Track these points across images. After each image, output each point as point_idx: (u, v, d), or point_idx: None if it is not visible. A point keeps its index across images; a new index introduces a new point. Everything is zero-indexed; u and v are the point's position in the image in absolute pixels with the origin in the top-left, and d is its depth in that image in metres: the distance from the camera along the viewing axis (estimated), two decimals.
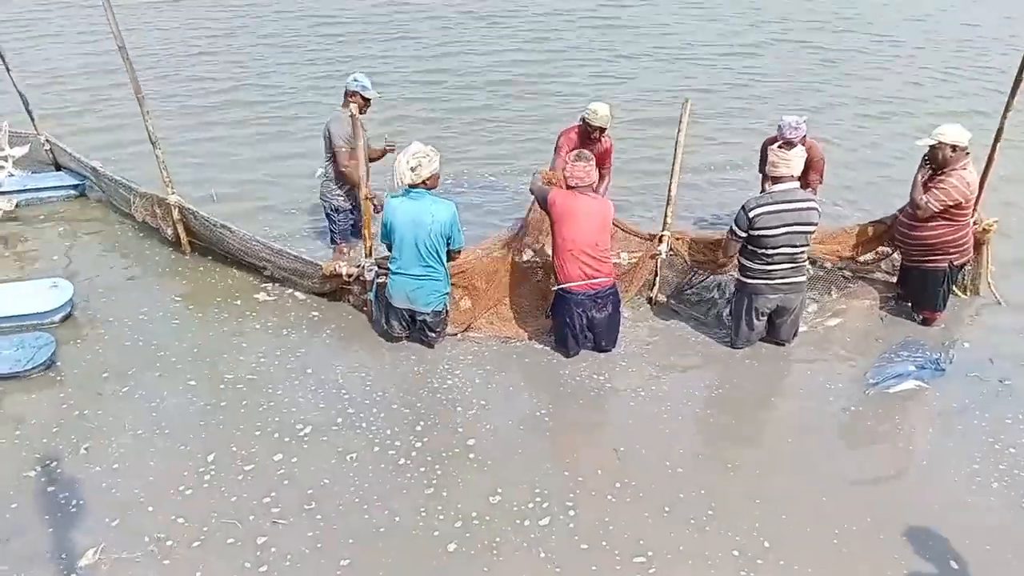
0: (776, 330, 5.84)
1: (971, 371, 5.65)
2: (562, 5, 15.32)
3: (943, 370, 5.62)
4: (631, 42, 14.05)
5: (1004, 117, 5.88)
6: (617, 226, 6.01)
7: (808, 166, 6.12)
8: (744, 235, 5.46)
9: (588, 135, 6.29)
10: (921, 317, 6.20)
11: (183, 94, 11.14)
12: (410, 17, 14.80)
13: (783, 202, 5.37)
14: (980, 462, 4.83)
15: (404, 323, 5.76)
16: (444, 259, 5.53)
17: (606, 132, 6.36)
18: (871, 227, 6.26)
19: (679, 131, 5.69)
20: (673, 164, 5.82)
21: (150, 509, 4.35)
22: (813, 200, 5.54)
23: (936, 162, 5.68)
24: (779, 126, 6.20)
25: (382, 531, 4.25)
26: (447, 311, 5.77)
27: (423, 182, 5.37)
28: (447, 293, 5.67)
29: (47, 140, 8.09)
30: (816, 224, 5.48)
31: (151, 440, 4.87)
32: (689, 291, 6.43)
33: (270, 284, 6.49)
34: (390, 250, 5.58)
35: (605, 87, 11.37)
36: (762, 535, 4.24)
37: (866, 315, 6.28)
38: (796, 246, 5.43)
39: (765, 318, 5.73)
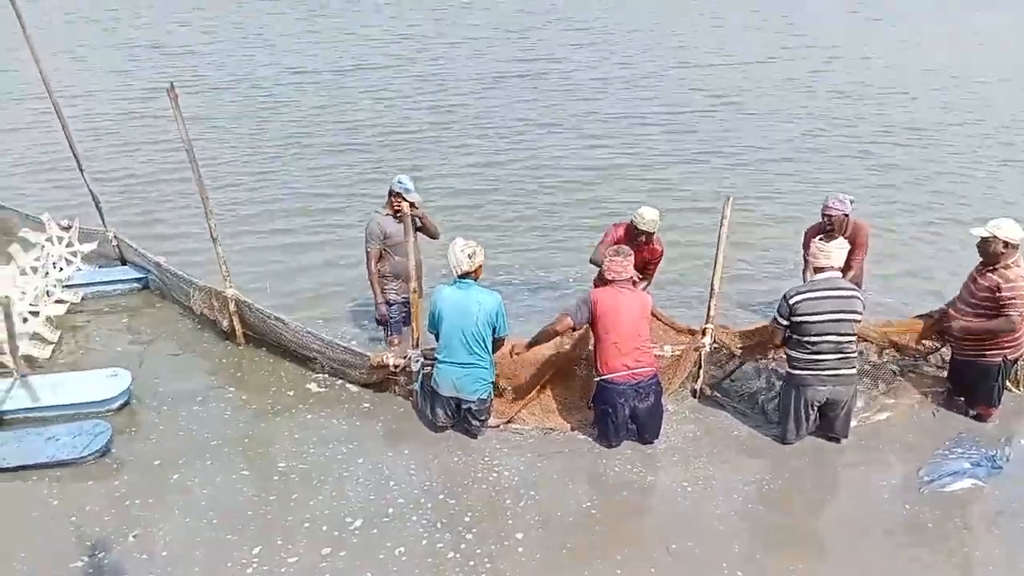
0: (829, 424, 5.70)
1: None
2: (634, 110, 15.62)
3: (1000, 467, 5.41)
4: (700, 142, 14.10)
5: None
6: (658, 318, 6.03)
7: (853, 243, 6.14)
8: (786, 322, 5.45)
9: (634, 237, 6.35)
10: (975, 412, 6.01)
11: (243, 190, 11.52)
12: (469, 123, 15.25)
13: (824, 290, 5.38)
14: None
15: (449, 412, 5.78)
16: (490, 348, 5.59)
17: (656, 237, 6.41)
18: (919, 320, 6.16)
19: (721, 227, 5.73)
20: (716, 259, 5.85)
21: None
22: (856, 289, 5.51)
23: (985, 255, 5.60)
24: (824, 204, 6.25)
25: None
26: (492, 399, 5.78)
27: (474, 271, 5.52)
28: (492, 381, 5.70)
29: (115, 236, 8.41)
30: (860, 313, 5.42)
31: (199, 530, 4.88)
32: (734, 384, 6.34)
33: (321, 375, 6.56)
34: (437, 339, 5.65)
35: (658, 190, 11.48)
36: None
37: (917, 410, 6.10)
38: (841, 335, 5.36)
39: (815, 412, 5.60)
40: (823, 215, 6.34)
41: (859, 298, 5.43)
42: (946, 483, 5.28)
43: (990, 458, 5.49)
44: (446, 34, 22.88)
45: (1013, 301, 5.44)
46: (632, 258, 5.62)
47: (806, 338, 5.39)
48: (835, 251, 5.44)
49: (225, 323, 7.01)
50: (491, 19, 25.54)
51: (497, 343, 5.67)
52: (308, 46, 21.19)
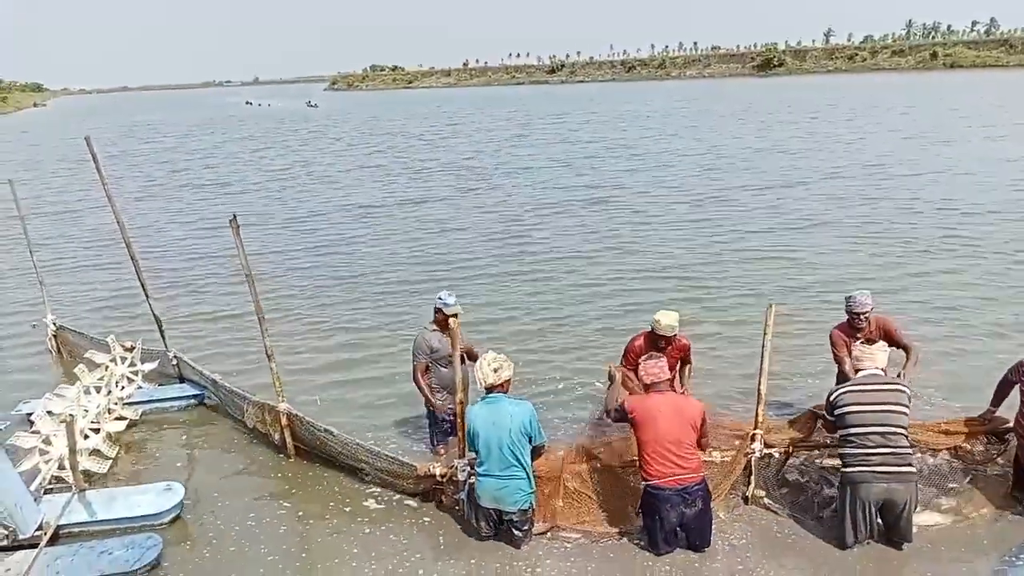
0: (889, 528, 5.43)
1: None
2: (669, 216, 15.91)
3: None
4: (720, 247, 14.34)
5: None
6: (721, 428, 6.00)
7: (889, 338, 6.24)
8: (831, 419, 5.45)
9: (656, 344, 6.35)
10: None
11: (296, 303, 11.84)
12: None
13: (866, 383, 5.39)
14: None
15: (492, 523, 5.68)
16: (528, 458, 5.52)
17: (677, 335, 6.41)
18: (972, 420, 5.96)
19: (765, 335, 5.69)
20: (761, 364, 5.79)
21: None
22: (900, 383, 5.43)
23: None
24: (848, 302, 6.28)
25: None
26: (533, 510, 5.67)
27: (501, 385, 5.57)
28: (532, 492, 5.59)
29: (175, 356, 8.60)
30: (907, 405, 5.30)
31: None
32: (786, 491, 6.09)
33: (378, 490, 6.47)
34: (476, 454, 5.63)
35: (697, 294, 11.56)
36: None
37: (982, 515, 5.76)
38: (888, 426, 5.23)
39: (873, 513, 5.35)
40: (853, 314, 6.31)
41: (905, 391, 5.35)
42: None
43: None
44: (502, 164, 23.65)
45: None
46: (664, 360, 5.62)
47: (851, 430, 5.31)
48: (879, 353, 5.47)
49: (277, 436, 7.03)
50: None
51: (536, 451, 5.62)
52: (367, 181, 22.04)
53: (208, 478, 6.84)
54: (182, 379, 8.67)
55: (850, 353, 5.85)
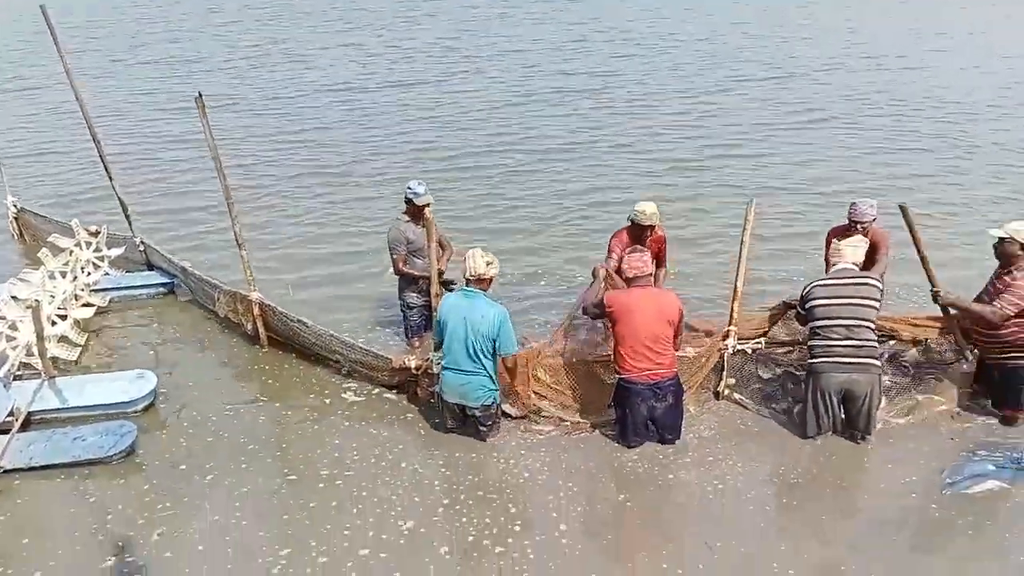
0: (850, 420, 5.57)
1: None
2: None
3: None
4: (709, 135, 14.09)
5: None
6: (693, 328, 6.03)
7: (875, 248, 6.17)
8: (803, 312, 5.55)
9: (639, 235, 6.27)
10: (1002, 415, 5.83)
11: (268, 190, 11.55)
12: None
13: (837, 277, 5.50)
14: None
15: (456, 418, 5.71)
16: (491, 360, 5.48)
17: (657, 226, 6.32)
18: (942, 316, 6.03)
19: (744, 231, 5.62)
20: (739, 260, 5.77)
21: None
22: (872, 278, 5.50)
23: (1001, 256, 5.51)
24: (850, 208, 6.17)
25: None
26: (497, 405, 5.69)
27: (486, 280, 5.48)
28: (495, 389, 5.59)
29: (142, 242, 8.40)
30: (876, 300, 5.40)
31: (227, 529, 4.81)
32: (756, 387, 6.18)
33: (355, 383, 6.45)
34: (438, 346, 5.59)
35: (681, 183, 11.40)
36: None
37: (943, 412, 5.91)
38: (855, 319, 5.34)
39: (834, 403, 5.47)
40: (852, 222, 6.21)
41: (875, 285, 5.44)
42: (968, 485, 5.13)
43: (1015, 460, 5.33)
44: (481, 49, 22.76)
45: (1005, 295, 5.40)
46: (649, 254, 5.59)
47: (818, 323, 5.41)
48: (847, 248, 5.57)
49: (249, 326, 6.95)
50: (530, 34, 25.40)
51: (504, 360, 5.55)
52: (342, 62, 21.15)
53: (181, 367, 6.78)
54: (150, 266, 8.50)
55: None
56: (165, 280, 8.18)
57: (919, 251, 5.68)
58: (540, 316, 7.59)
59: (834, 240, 5.64)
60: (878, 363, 5.45)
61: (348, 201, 11.10)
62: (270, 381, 6.59)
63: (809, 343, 5.55)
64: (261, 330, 6.89)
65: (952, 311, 5.88)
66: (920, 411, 5.88)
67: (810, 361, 5.51)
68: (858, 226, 6.17)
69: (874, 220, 6.16)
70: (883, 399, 5.69)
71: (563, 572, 4.42)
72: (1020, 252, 5.37)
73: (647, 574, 4.39)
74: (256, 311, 6.78)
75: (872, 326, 5.40)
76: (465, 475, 5.35)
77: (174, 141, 14.11)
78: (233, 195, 6.49)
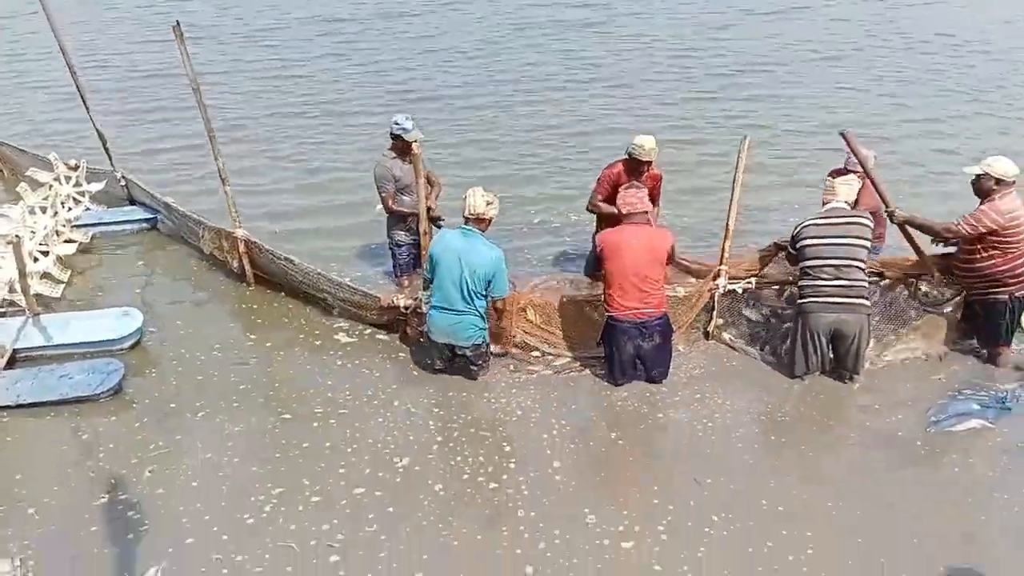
0: (839, 360, 5.59)
1: None
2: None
3: (1009, 408, 5.30)
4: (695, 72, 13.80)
5: None
6: (681, 265, 5.97)
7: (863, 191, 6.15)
8: (793, 252, 5.54)
9: (635, 170, 6.12)
10: (987, 352, 5.88)
11: (252, 126, 11.26)
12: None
13: (828, 216, 5.46)
14: None
15: (444, 358, 5.67)
16: (483, 302, 5.42)
17: (653, 163, 6.19)
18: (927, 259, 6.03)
19: (737, 168, 5.53)
20: (731, 198, 5.67)
21: (216, 532, 4.27)
22: (863, 216, 5.47)
23: (979, 192, 5.50)
24: (846, 154, 6.13)
25: (456, 546, 4.18)
26: (487, 345, 5.64)
27: (485, 220, 5.36)
28: (485, 328, 5.54)
29: (123, 176, 8.21)
30: (867, 239, 5.38)
31: (219, 466, 4.79)
32: (746, 326, 6.19)
33: (347, 323, 6.36)
34: (428, 284, 5.50)
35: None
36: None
37: (931, 352, 5.94)
38: (844, 259, 5.32)
39: (822, 343, 5.48)
40: (847, 168, 6.17)
41: (866, 224, 5.41)
42: (953, 423, 5.18)
43: (1000, 399, 5.38)
44: None
45: (967, 217, 5.43)
46: (645, 190, 5.50)
47: (808, 263, 5.41)
48: (841, 186, 5.52)
49: (235, 264, 6.83)
50: None
51: (495, 302, 5.49)
52: None
53: (167, 305, 6.69)
54: (132, 201, 8.33)
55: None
56: (148, 215, 8.02)
57: (866, 172, 5.64)
58: (532, 255, 7.54)
59: (827, 178, 5.61)
60: (867, 303, 5.45)
61: (334, 137, 10.86)
62: (260, 321, 6.50)
63: (799, 283, 5.54)
64: (247, 268, 6.78)
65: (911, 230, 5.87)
66: (908, 351, 5.91)
67: (799, 301, 5.51)
68: (859, 176, 6.15)
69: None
70: (872, 339, 5.70)
71: (557, 508, 4.45)
72: (995, 187, 5.38)
73: (639, 510, 4.43)
74: (242, 248, 6.66)
75: (862, 266, 5.39)
76: (458, 413, 5.34)
77: (153, 74, 13.70)
78: (215, 129, 6.31)
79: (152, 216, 8.00)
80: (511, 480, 4.67)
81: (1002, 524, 4.37)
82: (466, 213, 5.35)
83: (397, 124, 6.24)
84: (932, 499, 4.62)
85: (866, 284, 5.46)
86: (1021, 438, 5.03)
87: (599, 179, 6.35)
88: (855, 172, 5.92)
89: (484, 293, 5.36)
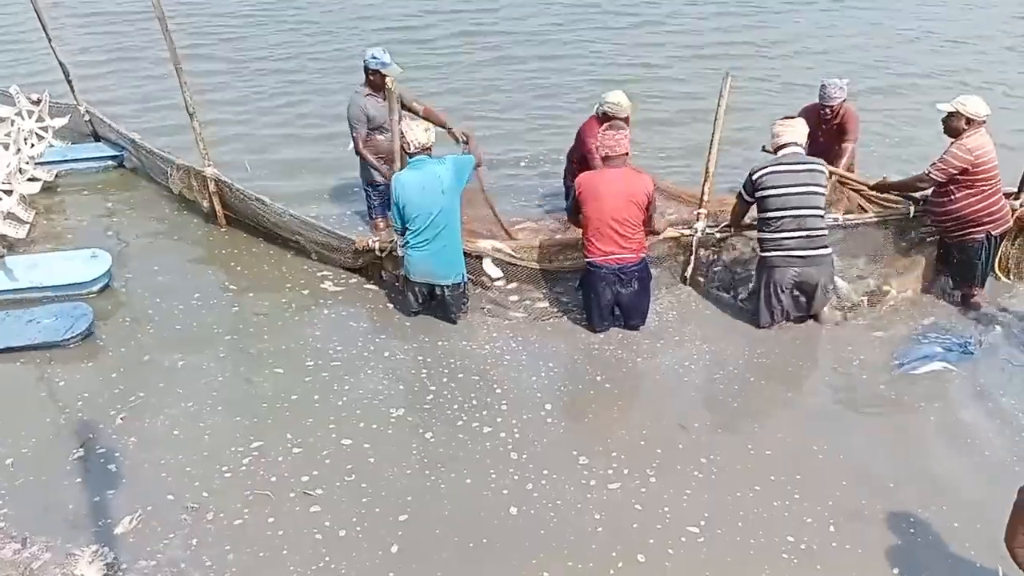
0: (804, 309, 5.52)
1: (1005, 356, 5.28)
2: None
3: (971, 353, 5.28)
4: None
5: None
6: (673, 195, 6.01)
7: (844, 130, 6.16)
8: (750, 199, 5.35)
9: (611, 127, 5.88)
10: (960, 294, 5.83)
11: (221, 64, 10.77)
12: None
13: (787, 163, 5.23)
14: (995, 440, 4.54)
15: (421, 299, 5.52)
16: (459, 224, 5.28)
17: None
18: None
19: (719, 106, 5.33)
20: (711, 140, 5.46)
21: (194, 482, 4.11)
22: (818, 162, 5.33)
23: (949, 131, 5.41)
24: (821, 87, 6.04)
25: (442, 488, 4.11)
26: (466, 284, 5.51)
27: (431, 147, 5.21)
28: (463, 266, 5.41)
29: (87, 111, 7.80)
30: (824, 186, 5.27)
31: (199, 415, 4.60)
32: (723, 271, 6.06)
33: (330, 271, 6.09)
34: (402, 229, 5.31)
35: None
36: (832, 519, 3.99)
37: (903, 295, 5.87)
38: (804, 208, 5.17)
39: (787, 295, 5.40)
40: (822, 104, 6.05)
41: (822, 171, 5.28)
42: (917, 366, 5.17)
43: (963, 344, 5.36)
44: None
45: (936, 163, 5.37)
46: (627, 130, 5.29)
47: (769, 214, 5.24)
48: (799, 126, 5.35)
49: (206, 204, 6.55)
50: None
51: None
52: None
53: (139, 248, 6.38)
54: (97, 137, 7.93)
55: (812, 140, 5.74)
56: (114, 152, 7.65)
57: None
58: (518, 199, 7.32)
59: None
60: (829, 251, 5.32)
61: (309, 70, 10.43)
62: (240, 268, 6.18)
63: (760, 235, 5.37)
64: (218, 208, 6.50)
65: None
66: (883, 296, 5.85)
67: (763, 254, 5.37)
68: (828, 109, 6.09)
69: (843, 101, 6.07)
70: (840, 284, 5.65)
71: (548, 450, 4.38)
72: (965, 127, 5.30)
73: (628, 453, 4.37)
74: (212, 188, 6.36)
75: (822, 213, 5.29)
76: (448, 360, 5.18)
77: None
78: (183, 61, 5.95)
79: (119, 153, 7.63)
80: (505, 424, 4.58)
81: (965, 466, 4.37)
82: (411, 149, 5.17)
83: (375, 58, 5.91)
84: (895, 437, 4.60)
85: (826, 232, 5.31)
86: (980, 382, 5.03)
87: (578, 137, 6.14)
88: (830, 107, 5.95)
89: (456, 213, 5.21)
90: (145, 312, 5.58)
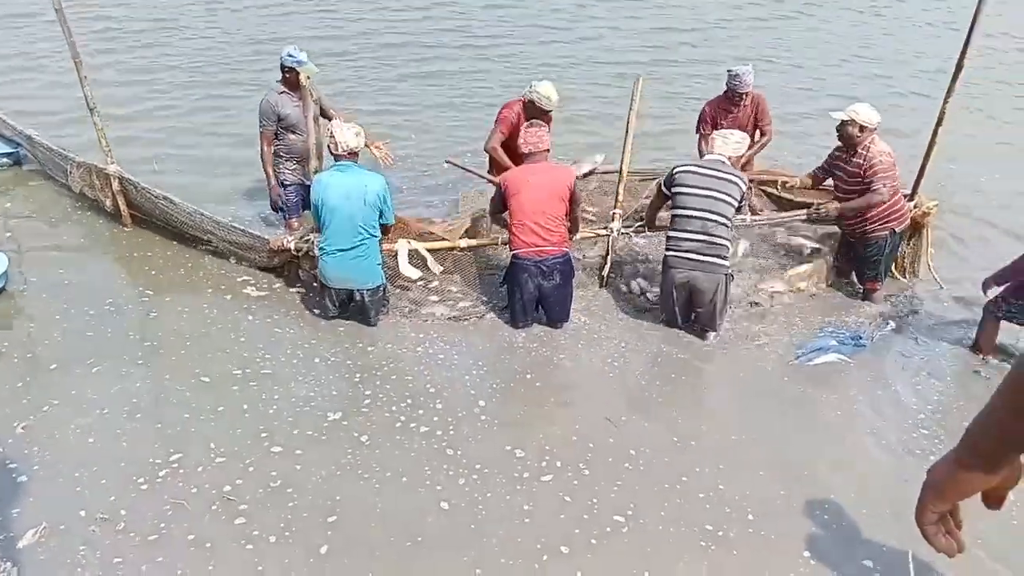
0: (697, 315, 5.46)
1: (895, 349, 5.57)
2: None
3: (864, 346, 5.53)
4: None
5: (945, 102, 5.65)
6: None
7: (758, 116, 6.31)
8: (667, 192, 5.34)
9: (534, 116, 5.83)
10: (863, 289, 6.06)
11: (121, 60, 10.22)
12: None
13: (708, 167, 5.27)
14: (882, 423, 4.78)
15: (338, 303, 5.35)
16: (378, 233, 5.14)
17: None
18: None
19: (631, 109, 5.40)
20: (625, 142, 5.53)
21: (105, 492, 3.84)
22: (739, 177, 5.28)
23: (843, 138, 5.57)
24: (729, 76, 6.14)
25: (376, 487, 4.00)
26: (385, 287, 5.37)
27: (358, 152, 5.07)
28: (381, 270, 5.27)
29: None
30: (737, 200, 5.17)
31: (114, 424, 4.30)
32: (639, 269, 6.15)
33: (250, 275, 5.81)
34: (320, 229, 5.14)
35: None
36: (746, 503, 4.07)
37: (808, 290, 6.09)
38: (711, 213, 5.13)
39: (680, 298, 5.39)
40: (733, 91, 6.16)
41: (739, 185, 5.22)
42: (812, 357, 5.37)
43: (855, 337, 5.59)
44: None
45: (877, 176, 5.45)
46: (547, 128, 5.29)
47: (677, 211, 5.24)
48: (740, 142, 5.40)
49: (109, 203, 6.20)
50: None
51: (384, 230, 5.22)
52: None
53: (37, 250, 5.96)
54: None
55: (712, 130, 5.87)
56: (9, 150, 7.15)
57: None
58: (435, 198, 7.23)
59: (723, 131, 5.52)
60: (726, 263, 5.23)
61: (219, 66, 10.05)
62: (153, 272, 5.84)
63: (668, 232, 5.36)
64: (123, 207, 6.17)
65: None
66: (783, 292, 6.03)
67: (665, 252, 5.36)
68: (740, 96, 6.20)
69: (751, 87, 6.21)
70: (729, 299, 5.50)
71: (482, 446, 4.33)
72: (859, 134, 5.45)
73: (560, 446, 4.37)
74: (115, 186, 6.03)
75: (728, 223, 5.18)
76: (380, 363, 5.04)
77: None
78: (82, 55, 5.59)
79: (14, 151, 7.15)
80: (441, 422, 4.50)
81: (868, 450, 4.56)
82: (338, 151, 5.01)
83: (291, 56, 5.73)
84: (796, 424, 4.75)
85: (728, 244, 5.24)
86: (869, 373, 5.27)
87: (498, 119, 6.00)
88: (741, 92, 6.09)
89: (376, 225, 5.06)
90: (51, 318, 5.20)
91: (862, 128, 5.43)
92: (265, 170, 6.03)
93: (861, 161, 5.50)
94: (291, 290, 5.76)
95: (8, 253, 5.58)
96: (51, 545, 3.53)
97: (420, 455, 4.25)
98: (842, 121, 5.50)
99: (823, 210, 5.77)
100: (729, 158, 5.33)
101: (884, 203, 5.54)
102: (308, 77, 5.55)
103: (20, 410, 4.34)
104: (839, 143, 5.65)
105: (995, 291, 5.38)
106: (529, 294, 5.31)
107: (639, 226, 5.86)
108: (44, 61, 9.82)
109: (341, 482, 4.02)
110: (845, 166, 5.65)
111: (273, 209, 6.32)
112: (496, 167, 6.00)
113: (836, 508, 4.05)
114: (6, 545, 3.51)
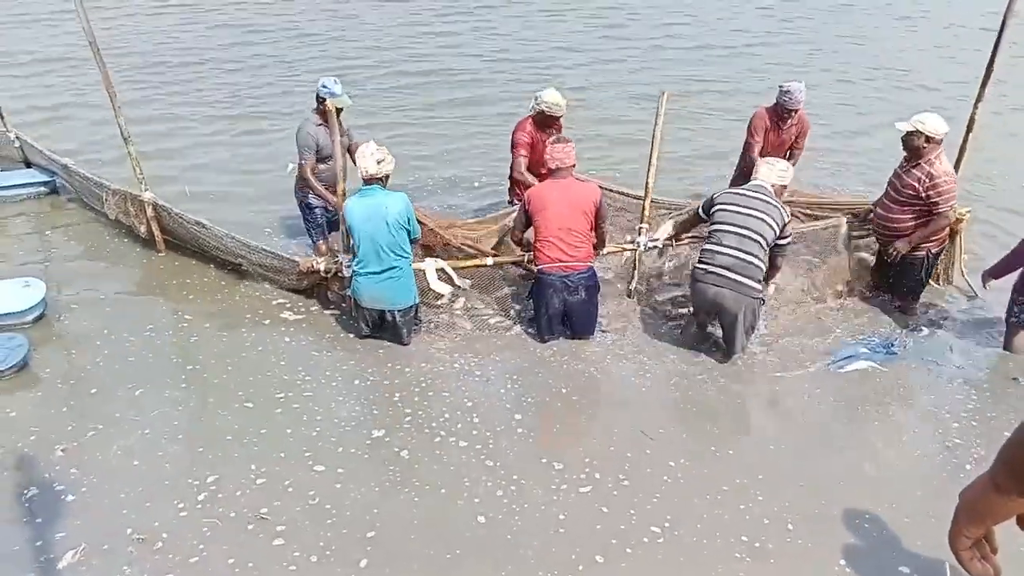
0: (723, 334, 5.30)
1: (928, 356, 5.45)
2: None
3: (895, 353, 5.44)
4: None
5: (975, 108, 5.54)
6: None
7: (803, 135, 6.25)
8: (703, 216, 5.27)
9: (546, 125, 5.91)
10: (897, 304, 5.93)
11: (154, 91, 10.35)
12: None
13: (747, 190, 5.15)
14: (916, 432, 4.71)
15: (371, 323, 5.34)
16: (407, 252, 5.14)
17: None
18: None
19: (656, 124, 5.38)
20: (651, 156, 5.51)
21: (149, 516, 3.83)
22: (779, 204, 5.08)
23: (908, 149, 5.34)
24: (781, 92, 5.99)
25: (416, 501, 3.99)
26: (417, 307, 5.37)
27: (382, 177, 5.07)
28: (414, 290, 5.27)
29: (17, 137, 7.38)
30: (777, 222, 4.97)
31: (156, 446, 4.30)
32: (667, 283, 6.11)
33: (286, 299, 5.82)
34: (351, 253, 5.18)
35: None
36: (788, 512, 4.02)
37: (837, 302, 6.03)
38: (748, 230, 4.95)
39: (707, 317, 5.31)
40: (783, 106, 6.04)
41: (780, 209, 5.04)
42: (843, 364, 5.29)
43: (887, 345, 5.52)
44: None
45: (941, 197, 5.26)
46: (571, 145, 5.23)
47: (716, 226, 5.09)
48: (785, 171, 5.17)
49: (143, 229, 6.25)
50: None
51: (413, 242, 5.25)
52: None
53: (75, 276, 6.01)
54: (28, 164, 7.51)
55: (764, 139, 5.86)
56: (46, 178, 7.25)
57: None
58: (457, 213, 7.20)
59: (774, 160, 5.32)
60: (758, 287, 5.00)
61: (246, 96, 10.10)
62: (192, 297, 5.85)
63: (703, 245, 5.22)
64: (157, 233, 6.22)
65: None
66: (820, 303, 5.97)
67: (694, 266, 5.21)
68: (792, 113, 6.07)
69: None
70: (757, 325, 5.34)
71: (521, 459, 4.31)
72: (925, 145, 5.19)
73: (599, 458, 4.33)
74: (150, 212, 6.08)
75: (764, 244, 4.96)
76: (417, 380, 5.02)
77: (38, 23, 12.35)
78: (116, 89, 5.66)
79: (50, 179, 7.24)
80: (479, 436, 4.49)
81: (906, 464, 4.47)
82: (362, 175, 5.04)
83: (325, 87, 5.75)
84: (815, 433, 4.68)
85: (762, 266, 5.01)
86: (901, 382, 5.16)
87: (514, 144, 6.00)
88: (794, 110, 5.98)
89: (405, 244, 5.06)
90: (92, 343, 5.22)
91: (928, 139, 5.18)
92: (315, 188, 5.98)
93: (922, 175, 5.27)
94: (326, 312, 5.75)
95: (46, 280, 5.62)
96: (93, 564, 3.53)
97: (459, 468, 4.23)
98: (907, 132, 5.27)
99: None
100: (773, 185, 5.12)
101: (947, 221, 5.43)
102: (341, 109, 5.57)
103: (63, 434, 4.35)
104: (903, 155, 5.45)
105: (993, 284, 5.39)
106: (555, 309, 5.28)
107: (667, 240, 5.77)
108: (81, 88, 9.98)
109: (381, 498, 4.00)
110: (902, 174, 5.43)
111: (311, 214, 6.26)
112: (522, 189, 5.99)
113: (874, 518, 3.97)
114: (47, 566, 3.51)
